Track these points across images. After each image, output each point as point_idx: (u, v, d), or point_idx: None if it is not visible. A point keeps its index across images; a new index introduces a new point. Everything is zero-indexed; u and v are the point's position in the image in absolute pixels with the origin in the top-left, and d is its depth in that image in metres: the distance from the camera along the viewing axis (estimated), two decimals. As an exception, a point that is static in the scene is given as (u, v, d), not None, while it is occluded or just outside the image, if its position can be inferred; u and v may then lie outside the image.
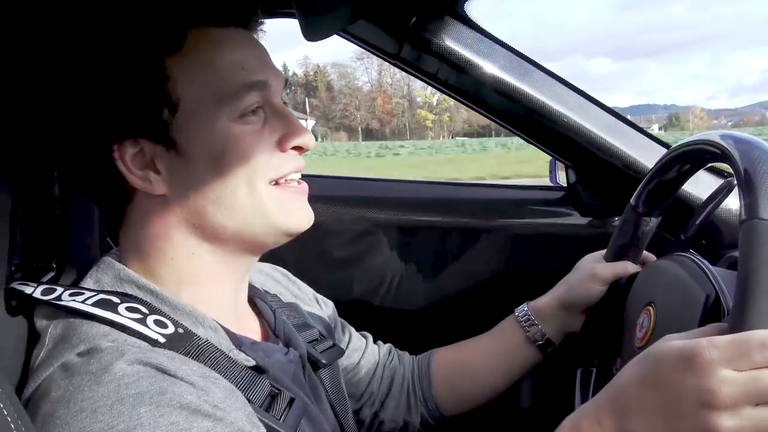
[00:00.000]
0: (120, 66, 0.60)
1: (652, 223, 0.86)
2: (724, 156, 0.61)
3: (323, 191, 1.24)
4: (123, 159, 0.62)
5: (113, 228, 0.69)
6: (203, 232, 0.65)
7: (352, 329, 0.94)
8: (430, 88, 1.91)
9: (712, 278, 0.66)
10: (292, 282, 0.90)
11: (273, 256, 0.83)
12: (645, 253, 0.90)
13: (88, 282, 0.65)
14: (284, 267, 0.92)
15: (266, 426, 0.58)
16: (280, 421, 0.61)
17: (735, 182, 0.85)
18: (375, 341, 0.98)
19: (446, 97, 1.10)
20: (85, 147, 0.63)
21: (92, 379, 0.53)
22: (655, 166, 0.80)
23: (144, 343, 0.57)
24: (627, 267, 0.87)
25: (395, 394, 0.92)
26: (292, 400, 0.63)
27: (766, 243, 0.51)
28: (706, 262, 0.70)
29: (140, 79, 0.60)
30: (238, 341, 0.65)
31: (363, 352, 0.93)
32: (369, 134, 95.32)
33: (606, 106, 1.07)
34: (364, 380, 0.91)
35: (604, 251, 0.92)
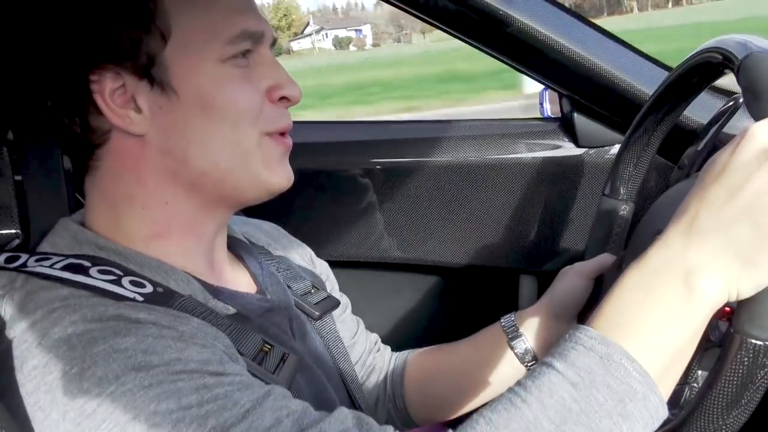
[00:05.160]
0: None
1: (630, 207, 0.82)
2: (723, 58, 0.57)
3: (304, 138, 1.19)
4: (102, 93, 0.58)
5: (81, 179, 0.64)
6: (180, 179, 0.61)
7: (349, 303, 0.90)
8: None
9: None
10: (284, 235, 0.87)
11: (257, 212, 0.80)
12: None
13: (44, 247, 0.61)
14: None
15: (259, 379, 0.55)
16: (274, 375, 0.59)
17: (741, 100, 0.81)
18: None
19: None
20: (63, 74, 0.58)
21: (44, 335, 0.51)
22: (636, 119, 0.77)
23: (106, 299, 0.54)
24: (606, 258, 0.81)
25: (369, 385, 0.88)
26: (284, 355, 0.61)
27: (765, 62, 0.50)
28: None
29: (126, 3, 0.57)
30: (215, 291, 0.63)
31: (355, 331, 0.88)
32: None
33: (602, 29, 1.02)
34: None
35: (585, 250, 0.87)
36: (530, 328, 0.82)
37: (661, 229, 0.70)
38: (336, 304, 0.80)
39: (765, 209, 0.45)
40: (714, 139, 0.84)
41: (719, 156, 0.48)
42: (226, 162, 0.60)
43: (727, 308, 0.48)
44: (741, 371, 0.46)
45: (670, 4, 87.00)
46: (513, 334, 0.81)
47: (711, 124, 0.84)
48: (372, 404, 0.87)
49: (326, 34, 75.80)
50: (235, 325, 0.59)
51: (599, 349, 0.47)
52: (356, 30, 73.42)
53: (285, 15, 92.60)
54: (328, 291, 0.84)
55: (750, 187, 0.45)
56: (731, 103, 0.82)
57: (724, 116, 0.82)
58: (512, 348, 0.81)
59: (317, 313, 0.75)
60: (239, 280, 0.70)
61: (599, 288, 0.80)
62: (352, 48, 70.08)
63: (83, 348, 0.50)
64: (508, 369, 0.82)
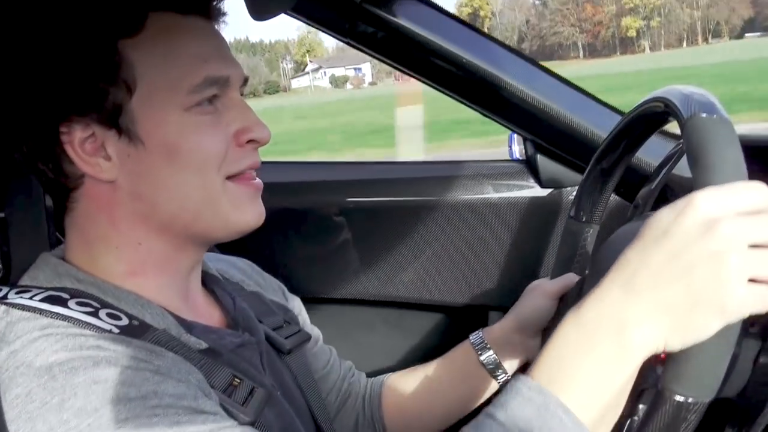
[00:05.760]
0: (72, 43, 0.58)
1: (593, 230, 0.86)
2: (668, 109, 0.61)
3: (279, 178, 1.22)
4: (72, 143, 0.60)
5: (61, 217, 0.66)
6: (152, 222, 0.63)
7: (320, 335, 0.93)
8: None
9: None
10: (257, 272, 0.89)
11: (234, 249, 0.82)
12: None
13: (24, 280, 0.63)
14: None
15: (228, 412, 0.58)
16: (243, 407, 0.60)
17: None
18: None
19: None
20: (33, 125, 0.61)
21: (26, 366, 0.52)
22: (599, 149, 0.81)
23: (84, 330, 0.56)
24: (571, 278, 0.85)
25: (348, 411, 0.91)
26: (253, 389, 0.63)
27: (709, 128, 0.51)
28: None
29: (92, 58, 0.58)
30: (188, 326, 0.64)
31: (328, 359, 0.91)
32: (576, 51, 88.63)
33: (560, 76, 1.08)
34: (325, 388, 0.89)
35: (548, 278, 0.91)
36: (497, 343, 0.87)
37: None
38: (307, 338, 0.82)
39: (698, 277, 0.47)
40: (665, 179, 0.89)
41: (662, 215, 0.50)
42: (194, 205, 0.62)
43: (662, 355, 0.51)
44: (666, 423, 0.49)
45: (684, 44, 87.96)
46: (481, 349, 0.86)
47: (662, 165, 0.90)
48: (351, 427, 0.90)
49: (324, 72, 76.62)
50: (207, 359, 0.61)
51: (537, 400, 0.50)
52: (355, 68, 74.25)
53: (308, 51, 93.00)
54: (300, 325, 0.86)
55: (687, 255, 0.47)
56: (679, 147, 0.88)
57: (672, 159, 0.88)
58: (481, 362, 0.86)
59: (288, 347, 0.77)
60: (212, 314, 0.72)
61: (563, 305, 0.85)
62: (348, 86, 70.75)
63: (64, 378, 0.51)
64: (478, 383, 0.87)
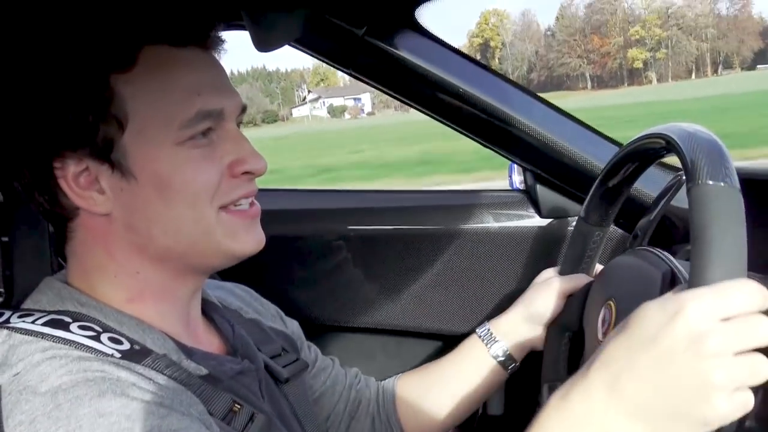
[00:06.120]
0: (62, 78, 0.58)
1: (603, 233, 0.87)
2: (670, 146, 0.62)
3: (281, 205, 1.23)
4: (66, 177, 0.60)
5: (61, 244, 0.67)
6: (148, 252, 0.63)
7: (318, 350, 0.93)
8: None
9: (667, 260, 0.67)
10: (255, 299, 0.89)
11: (234, 275, 0.83)
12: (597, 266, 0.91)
13: (28, 304, 0.63)
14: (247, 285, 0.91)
15: None
16: None
17: (684, 176, 0.88)
18: (342, 365, 0.96)
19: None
20: (27, 161, 0.61)
21: (29, 391, 0.52)
22: (601, 173, 0.82)
23: (85, 353, 0.56)
24: (581, 279, 0.87)
25: (361, 418, 0.91)
26: (253, 414, 0.62)
27: (713, 202, 0.52)
28: (660, 250, 0.72)
29: (82, 93, 0.59)
30: (189, 351, 0.64)
31: (329, 373, 0.91)
32: (584, 82, 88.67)
33: (558, 108, 1.09)
34: (330, 402, 0.90)
35: (559, 267, 0.93)
36: (506, 334, 0.90)
37: (611, 296, 0.75)
38: (304, 367, 0.82)
39: (682, 389, 0.48)
40: (663, 210, 0.90)
41: (652, 316, 0.51)
42: (188, 237, 0.62)
43: None
44: None
45: (693, 75, 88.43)
46: (490, 341, 0.89)
47: (660, 196, 0.91)
48: None
49: (323, 102, 77.45)
50: (207, 385, 0.61)
51: None
52: (355, 98, 74.93)
53: (322, 80, 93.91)
54: (299, 348, 0.87)
55: (673, 366, 0.48)
56: (677, 179, 0.89)
57: (671, 190, 0.89)
58: (491, 354, 0.89)
59: (285, 376, 0.77)
60: (212, 341, 0.72)
61: (569, 304, 0.88)
62: (346, 116, 71.41)
63: (69, 408, 0.51)
64: (490, 375, 0.90)
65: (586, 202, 0.86)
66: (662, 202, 0.89)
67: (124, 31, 0.59)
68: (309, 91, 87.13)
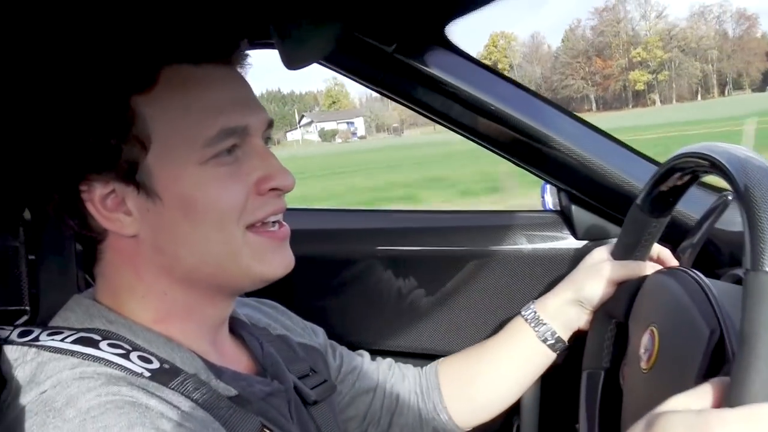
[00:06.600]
0: (82, 102, 0.58)
1: (660, 223, 0.83)
2: (717, 169, 0.58)
3: (311, 225, 1.22)
4: (92, 200, 0.60)
5: (89, 262, 0.67)
6: (175, 273, 0.63)
7: (345, 350, 0.91)
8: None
9: (716, 309, 0.62)
10: (282, 313, 0.88)
11: (260, 294, 0.81)
12: (660, 249, 0.88)
13: (56, 321, 0.63)
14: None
15: None
16: None
17: (730, 198, 0.83)
18: (373, 358, 0.95)
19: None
20: (53, 186, 0.61)
21: (56, 415, 0.51)
22: (659, 169, 0.77)
23: (115, 371, 0.55)
24: (635, 268, 0.85)
25: (403, 411, 0.89)
26: None
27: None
28: (708, 281, 0.68)
29: (103, 116, 0.58)
30: (218, 371, 0.63)
31: (359, 372, 0.90)
32: (589, 104, 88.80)
33: (595, 126, 1.06)
34: (365, 401, 0.88)
35: (610, 246, 0.90)
36: (554, 316, 0.89)
37: (654, 322, 0.71)
38: (332, 389, 0.81)
39: None
40: (707, 234, 0.86)
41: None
42: (215, 258, 0.62)
43: None
44: None
45: (699, 96, 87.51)
46: (537, 324, 0.89)
47: (703, 219, 0.87)
48: (416, 424, 0.90)
49: (316, 126, 78.84)
50: (236, 407, 0.60)
51: None
52: (348, 122, 75.85)
53: (334, 102, 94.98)
54: (326, 360, 0.86)
55: None
56: (722, 200, 0.85)
57: (714, 212, 0.85)
58: (539, 336, 0.88)
59: (313, 398, 0.75)
60: (241, 360, 0.71)
61: (620, 292, 0.85)
62: (337, 140, 72.34)
63: None
64: (537, 357, 0.90)
65: (643, 191, 0.81)
66: (706, 225, 0.86)
67: (143, 52, 0.59)
68: (302, 116, 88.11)
